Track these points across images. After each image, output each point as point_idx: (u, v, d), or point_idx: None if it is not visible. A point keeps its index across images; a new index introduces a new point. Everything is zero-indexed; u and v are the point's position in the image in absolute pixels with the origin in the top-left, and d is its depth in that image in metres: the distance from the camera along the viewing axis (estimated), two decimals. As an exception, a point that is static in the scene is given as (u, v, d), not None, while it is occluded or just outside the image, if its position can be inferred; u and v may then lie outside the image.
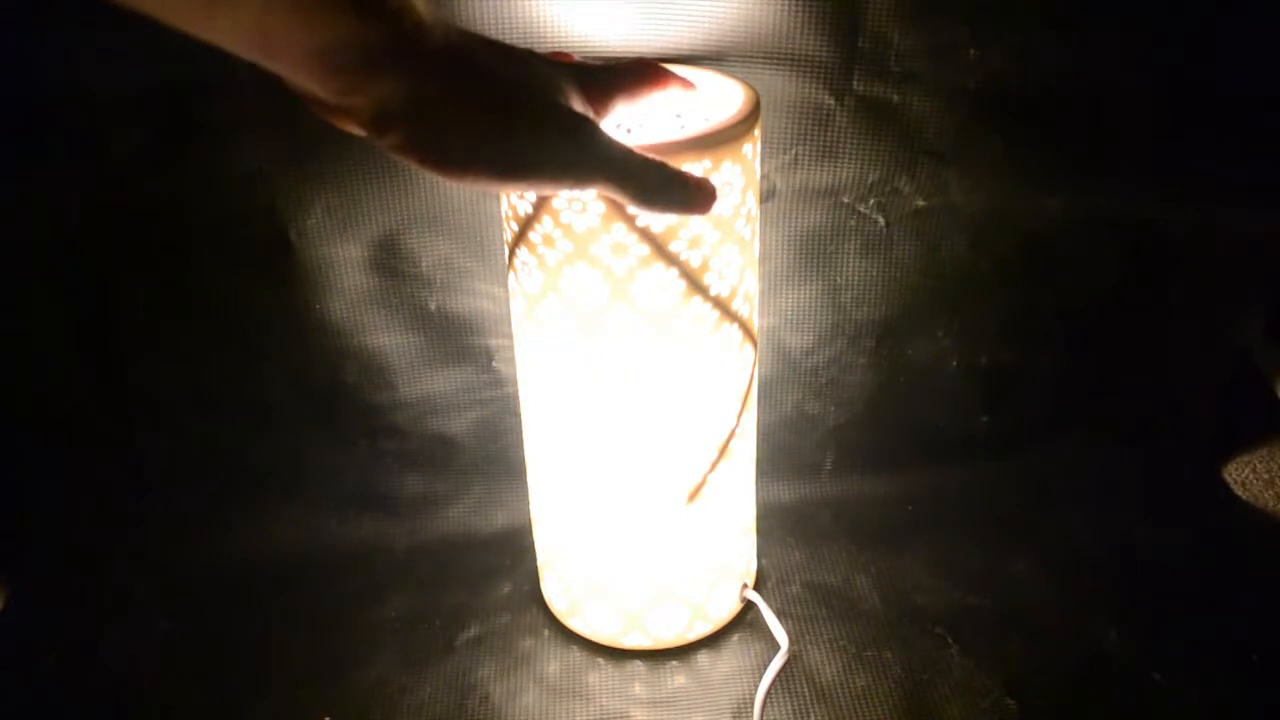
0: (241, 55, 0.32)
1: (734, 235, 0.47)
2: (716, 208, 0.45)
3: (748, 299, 0.50)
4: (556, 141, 0.37)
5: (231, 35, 0.31)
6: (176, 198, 0.63)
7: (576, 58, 0.43)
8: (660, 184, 0.40)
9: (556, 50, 0.44)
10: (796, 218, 0.64)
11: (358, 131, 0.36)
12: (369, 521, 0.66)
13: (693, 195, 0.41)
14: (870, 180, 0.63)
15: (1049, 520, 0.65)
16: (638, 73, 0.43)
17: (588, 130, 0.38)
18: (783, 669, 0.53)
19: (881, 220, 0.65)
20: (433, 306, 0.66)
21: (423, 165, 0.36)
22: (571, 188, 0.40)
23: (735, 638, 0.57)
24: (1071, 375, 0.70)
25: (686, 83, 0.44)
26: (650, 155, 0.40)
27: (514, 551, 0.63)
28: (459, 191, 0.63)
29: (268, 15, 0.31)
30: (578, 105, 0.39)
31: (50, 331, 0.67)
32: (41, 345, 0.67)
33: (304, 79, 0.34)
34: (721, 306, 0.48)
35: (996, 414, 0.70)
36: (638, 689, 0.54)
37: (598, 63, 0.43)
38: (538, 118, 0.37)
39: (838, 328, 0.67)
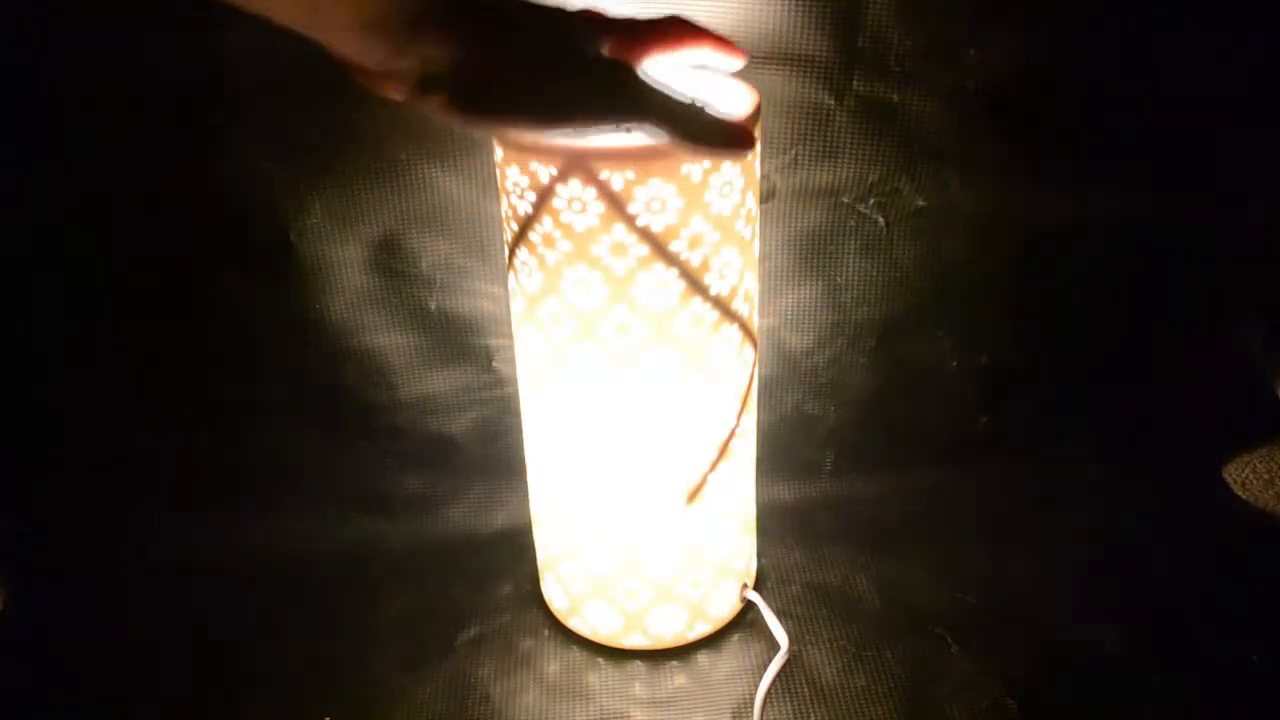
0: (287, 27, 0.34)
1: (734, 235, 0.47)
2: (716, 207, 0.45)
3: (748, 299, 0.50)
4: (594, 86, 0.38)
5: (280, 9, 0.33)
6: (177, 198, 0.63)
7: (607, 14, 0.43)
8: (698, 125, 0.40)
9: (586, 9, 0.44)
10: (796, 218, 0.64)
11: (399, 96, 0.38)
12: (369, 521, 0.66)
13: (731, 137, 0.41)
14: (870, 180, 0.63)
15: (1049, 520, 0.65)
16: (672, 28, 0.43)
17: (624, 74, 0.39)
18: (783, 669, 0.53)
19: (881, 220, 0.65)
20: (433, 306, 0.66)
21: (465, 123, 0.38)
22: (610, 127, 0.40)
23: (735, 638, 0.57)
24: (1071, 375, 0.70)
25: (723, 43, 0.43)
26: (687, 99, 0.40)
27: (514, 551, 0.63)
28: (459, 191, 0.63)
29: None
30: (612, 54, 0.40)
31: (50, 331, 0.67)
32: (41, 345, 0.67)
33: (350, 48, 0.35)
34: (721, 306, 0.48)
35: (996, 414, 0.70)
36: (638, 689, 0.54)
37: (630, 19, 0.43)
38: (576, 67, 0.38)
39: (838, 328, 0.67)
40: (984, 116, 0.62)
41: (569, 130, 0.42)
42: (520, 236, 0.47)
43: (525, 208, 0.46)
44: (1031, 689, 0.53)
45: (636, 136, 0.44)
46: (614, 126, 0.40)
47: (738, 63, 0.44)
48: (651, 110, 0.39)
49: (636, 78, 0.39)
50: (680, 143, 0.40)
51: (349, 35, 0.35)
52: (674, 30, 0.42)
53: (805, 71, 0.60)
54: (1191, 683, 0.53)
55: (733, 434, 0.52)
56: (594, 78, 0.38)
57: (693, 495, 0.52)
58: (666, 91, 0.40)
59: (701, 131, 0.40)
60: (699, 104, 0.41)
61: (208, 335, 0.66)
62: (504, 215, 0.48)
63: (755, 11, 0.58)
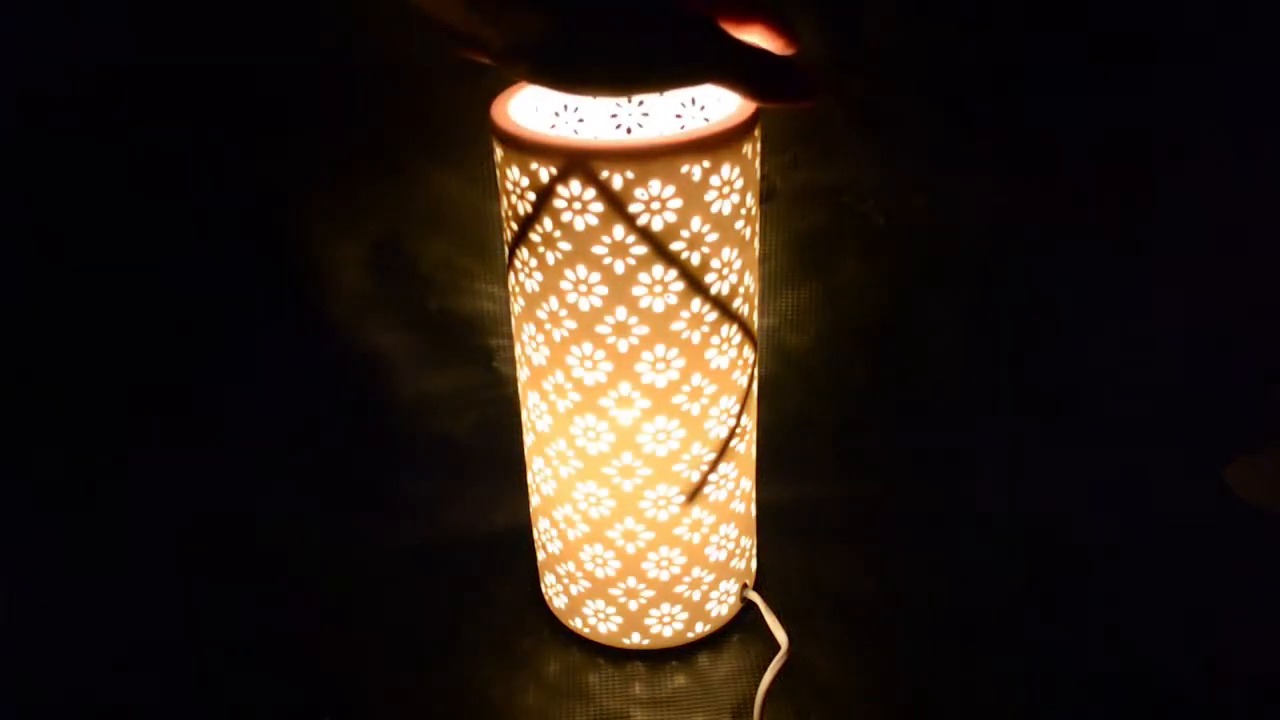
0: None
1: (734, 235, 0.47)
2: (716, 207, 0.45)
3: (748, 299, 0.50)
4: (677, 46, 0.39)
5: None
6: (177, 197, 0.63)
7: None
8: (774, 76, 0.41)
9: None
10: (796, 218, 0.64)
11: (485, 61, 0.39)
12: (369, 521, 0.66)
13: (803, 85, 0.42)
14: (870, 180, 0.63)
15: (1049, 520, 0.65)
16: (741, 1, 0.44)
17: (706, 29, 0.40)
18: (783, 669, 0.53)
19: (881, 220, 0.65)
20: (433, 306, 0.66)
21: (550, 86, 0.39)
22: (693, 85, 0.41)
23: (735, 638, 0.57)
24: (1072, 375, 0.70)
25: (777, 28, 0.44)
26: (757, 48, 0.41)
27: (514, 551, 0.63)
28: (459, 191, 0.63)
29: None
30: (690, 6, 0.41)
31: (50, 331, 0.67)
32: (41, 345, 0.67)
33: (444, 15, 0.37)
34: (721, 306, 0.48)
35: (997, 414, 0.70)
36: (638, 689, 0.54)
37: None
38: (660, 28, 0.39)
39: (838, 328, 0.67)
40: (983, 117, 0.62)
41: (654, 89, 0.42)
42: (520, 236, 0.47)
43: (525, 208, 0.46)
44: (1031, 689, 0.53)
45: (637, 136, 0.44)
46: (688, 87, 0.41)
47: (785, 52, 0.45)
48: (726, 69, 0.40)
49: (714, 32, 0.40)
50: (760, 96, 0.41)
51: (445, 5, 0.37)
52: (743, 4, 0.43)
53: (805, 71, 0.60)
54: (1191, 683, 0.53)
55: (733, 434, 0.52)
56: (674, 42, 0.39)
57: (693, 495, 0.52)
58: (740, 45, 0.41)
59: (780, 84, 0.41)
60: (770, 54, 0.42)
61: (207, 335, 0.67)
62: (504, 215, 0.48)
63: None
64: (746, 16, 0.44)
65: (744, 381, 0.52)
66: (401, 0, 0.37)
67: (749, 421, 0.54)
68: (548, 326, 0.48)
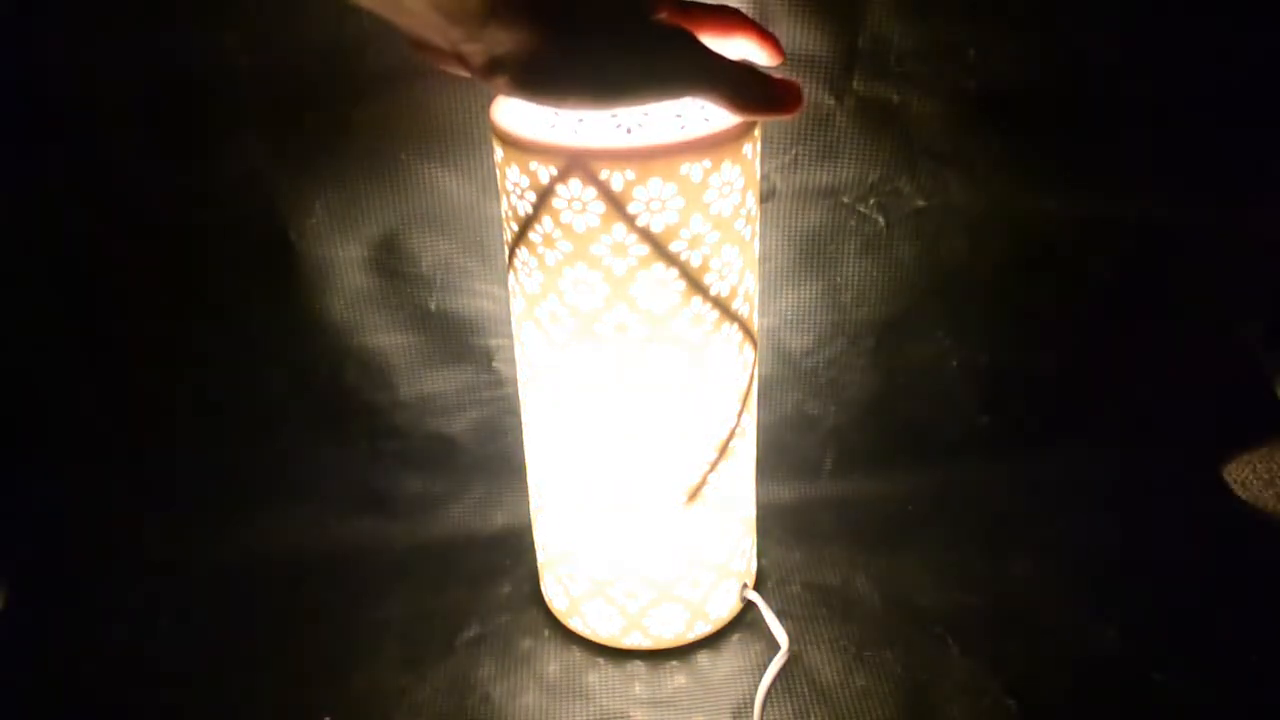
0: (366, 8, 0.36)
1: (734, 235, 0.47)
2: (716, 207, 0.45)
3: (748, 299, 0.50)
4: (656, 61, 0.40)
5: None
6: (176, 198, 0.63)
7: None
8: (753, 88, 0.42)
9: None
10: (796, 218, 0.64)
11: (464, 74, 0.40)
12: (369, 521, 0.66)
13: (783, 97, 0.42)
14: (870, 180, 0.63)
15: (1049, 520, 0.65)
16: (726, 14, 0.44)
17: (685, 43, 0.40)
18: (783, 669, 0.53)
19: (881, 220, 0.65)
20: (433, 306, 0.66)
21: (529, 99, 0.39)
22: (671, 99, 0.42)
23: (735, 638, 0.57)
24: (1071, 375, 0.70)
25: (766, 38, 0.45)
26: (739, 61, 0.42)
27: (514, 551, 0.63)
28: (459, 191, 0.63)
29: None
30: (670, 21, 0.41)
31: (51, 332, 0.67)
32: (42, 345, 0.67)
33: (424, 30, 0.37)
34: (721, 306, 0.48)
35: (996, 414, 0.70)
36: (638, 689, 0.54)
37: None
38: (639, 44, 0.39)
39: (838, 328, 0.67)
40: (984, 116, 0.62)
41: (628, 106, 0.42)
42: (520, 236, 0.47)
43: (525, 208, 0.46)
44: (1031, 689, 0.53)
45: (637, 136, 0.44)
46: (670, 99, 0.41)
47: (774, 60, 0.45)
48: (708, 81, 0.40)
49: (695, 46, 0.40)
50: (732, 110, 0.42)
51: (424, 20, 0.36)
52: (726, 18, 0.44)
53: (805, 71, 0.60)
54: (1191, 683, 0.53)
55: (733, 434, 0.52)
56: (655, 55, 0.40)
57: (693, 495, 0.52)
58: (721, 58, 0.41)
59: (759, 96, 0.42)
60: (751, 66, 0.42)
61: (207, 335, 0.66)
62: (504, 215, 0.48)
63: (755, 12, 0.58)
64: (729, 30, 0.44)
65: (744, 381, 0.52)
66: (384, 17, 0.37)
67: (749, 421, 0.54)
68: (548, 326, 0.48)
